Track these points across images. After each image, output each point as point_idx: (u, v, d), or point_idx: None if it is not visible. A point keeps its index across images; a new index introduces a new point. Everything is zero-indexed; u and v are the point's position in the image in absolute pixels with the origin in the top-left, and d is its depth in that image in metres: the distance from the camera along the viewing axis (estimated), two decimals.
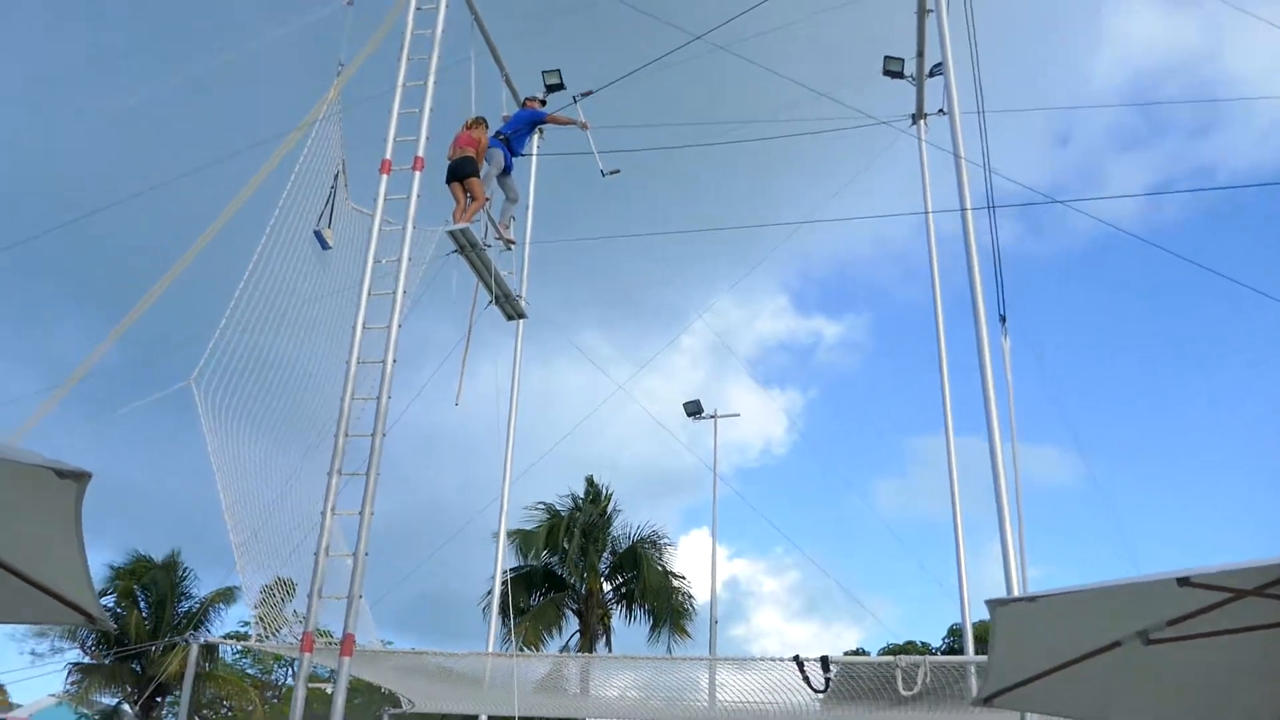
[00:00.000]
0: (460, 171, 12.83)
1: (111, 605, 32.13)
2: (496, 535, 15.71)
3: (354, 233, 12.18)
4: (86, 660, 32.26)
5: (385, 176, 11.63)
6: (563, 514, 29.99)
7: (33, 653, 32.46)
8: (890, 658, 9.65)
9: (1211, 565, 4.54)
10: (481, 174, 13.10)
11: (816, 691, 9.67)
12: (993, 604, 4.44)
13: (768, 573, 70.92)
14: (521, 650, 27.26)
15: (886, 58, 16.16)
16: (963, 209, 10.93)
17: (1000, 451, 10.09)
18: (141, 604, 32.54)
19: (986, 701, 5.50)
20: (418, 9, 12.37)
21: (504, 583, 15.30)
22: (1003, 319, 10.88)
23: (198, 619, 32.48)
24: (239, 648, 36.54)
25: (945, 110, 15.06)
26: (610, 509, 30.64)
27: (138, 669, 31.74)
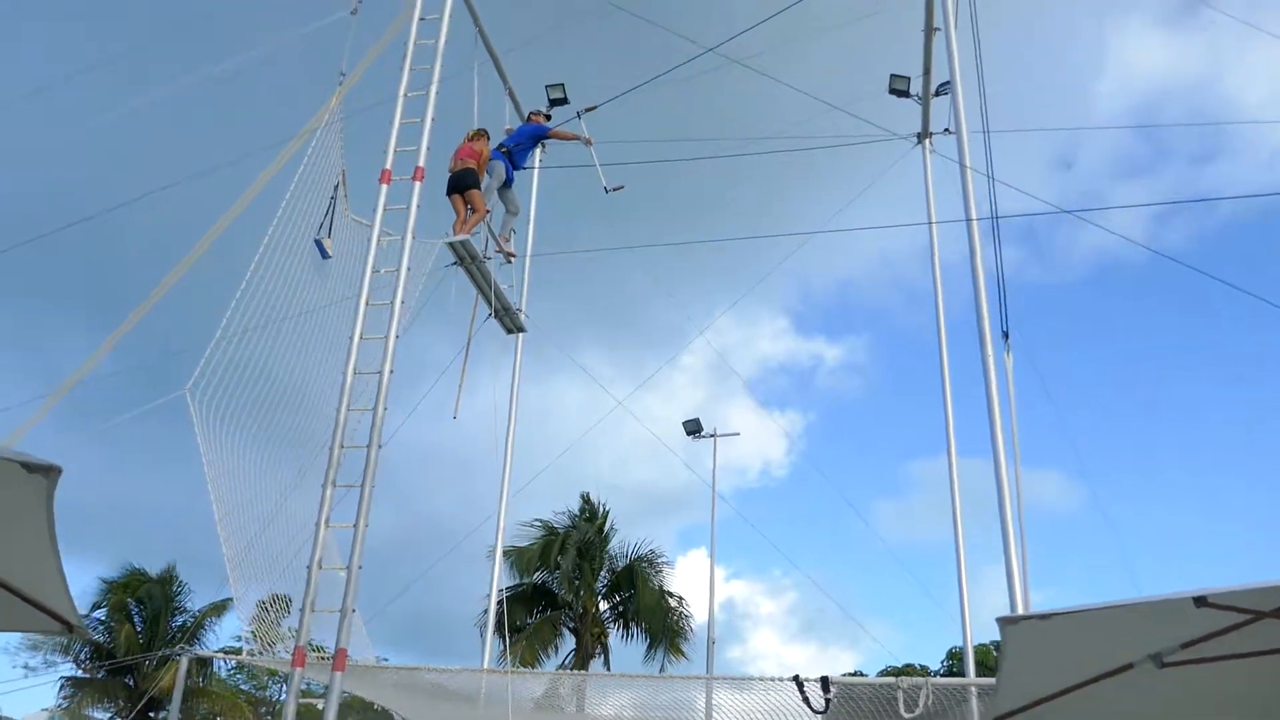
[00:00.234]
0: (461, 183, 12.75)
1: (104, 619, 31.95)
2: (492, 552, 15.54)
3: (353, 243, 12.08)
4: (79, 674, 32.03)
5: (385, 186, 11.52)
6: (559, 531, 29.84)
7: (25, 666, 32.27)
8: (892, 679, 9.47)
9: (1225, 585, 4.40)
10: (482, 186, 13.01)
11: (816, 713, 9.50)
12: (1003, 621, 4.30)
13: (765, 594, 70.57)
14: (517, 669, 27.09)
15: (892, 75, 16.06)
16: (968, 219, 10.83)
17: (1005, 474, 9.95)
18: (135, 617, 32.32)
19: None
20: (421, 19, 12.30)
21: (500, 601, 15.11)
22: (1005, 335, 10.77)
23: (192, 633, 32.25)
24: (232, 663, 36.26)
25: (951, 129, 15.00)
26: (608, 527, 30.50)
27: (131, 683, 31.50)
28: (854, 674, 50.16)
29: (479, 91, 14.25)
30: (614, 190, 14.65)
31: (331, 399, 10.73)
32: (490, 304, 13.56)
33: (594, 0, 15.68)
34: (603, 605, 29.98)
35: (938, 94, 15.98)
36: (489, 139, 13.51)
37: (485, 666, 15.61)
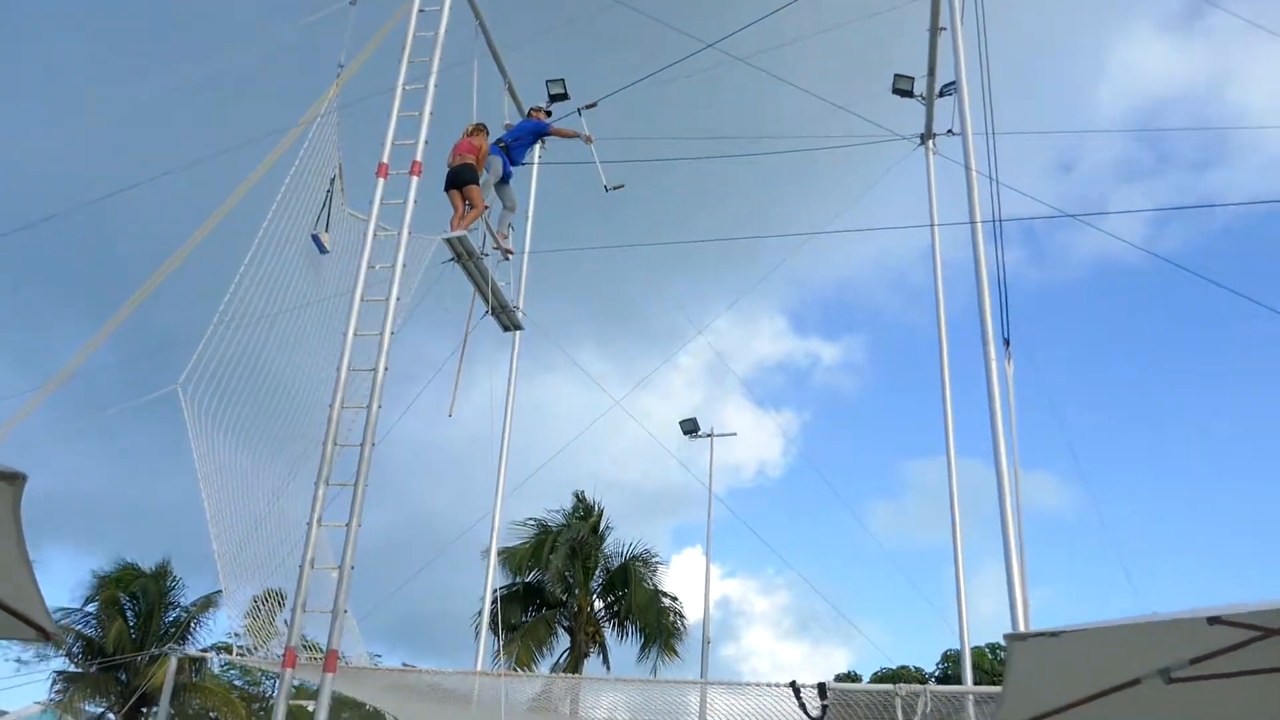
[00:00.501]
0: (460, 178, 12.61)
1: (94, 613, 31.79)
2: (486, 552, 15.42)
3: (349, 238, 11.94)
4: (72, 669, 31.87)
5: (382, 181, 11.38)
6: (552, 529, 29.72)
7: (18, 660, 32.11)
8: (890, 685, 9.36)
9: (1239, 604, 4.28)
10: (481, 182, 12.87)
11: (811, 719, 9.39)
12: (1011, 638, 4.18)
13: (759, 592, 70.60)
14: (512, 669, 26.98)
15: (896, 76, 15.89)
16: (972, 222, 10.69)
17: (1006, 477, 9.83)
18: (128, 612, 32.15)
19: None
20: (421, 11, 12.15)
21: (494, 600, 14.99)
22: (1006, 342, 10.63)
23: (184, 630, 32.10)
24: (224, 660, 36.14)
25: (955, 131, 14.89)
26: (603, 526, 30.37)
27: (123, 678, 31.34)
28: (847, 674, 50.15)
29: (478, 86, 14.11)
30: (614, 189, 14.50)
31: (325, 396, 10.60)
32: (487, 301, 13.42)
33: None
34: (598, 604, 29.86)
35: (942, 94, 15.83)
36: (488, 134, 13.37)
37: (479, 666, 15.49)
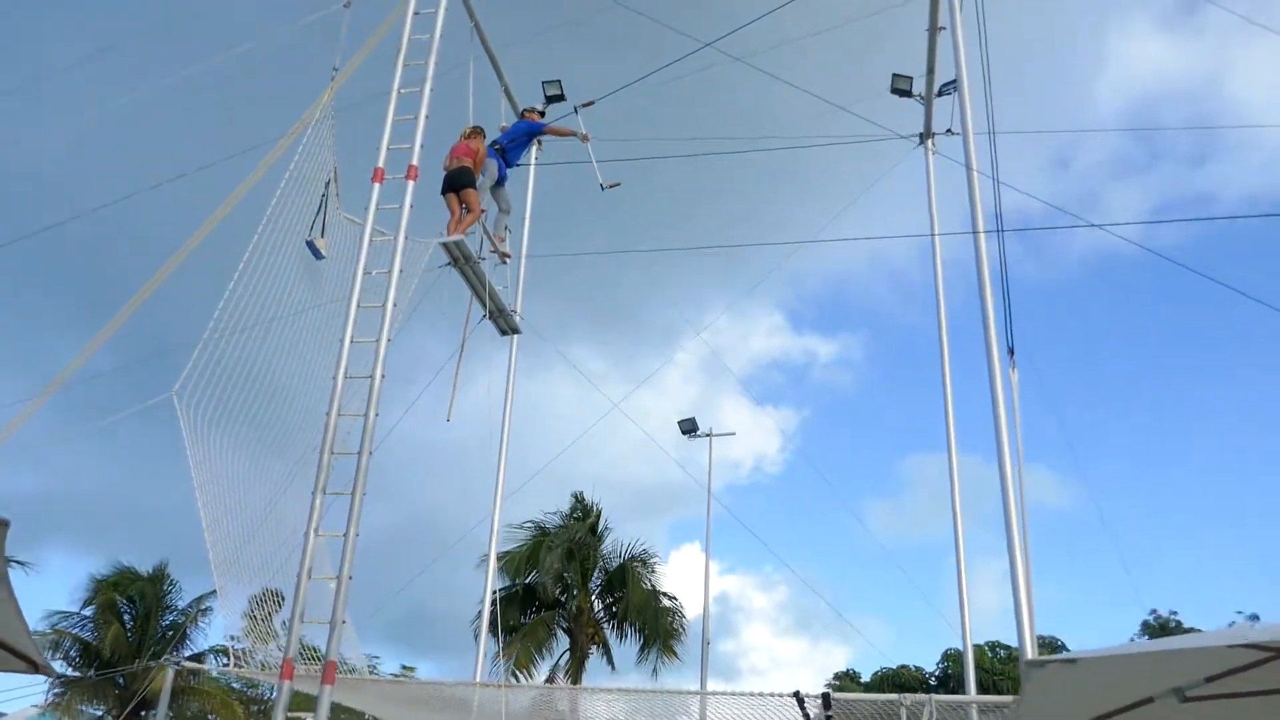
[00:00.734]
0: (457, 182, 12.50)
1: (91, 616, 31.67)
2: (485, 555, 15.33)
3: (345, 243, 11.81)
4: (70, 673, 31.75)
5: (378, 185, 11.25)
6: (550, 531, 29.61)
7: None
8: (895, 695, 9.27)
9: (1258, 626, 4.20)
10: (477, 185, 12.77)
11: None
12: (1029, 665, 4.09)
13: (758, 589, 70.60)
14: (513, 672, 26.93)
15: (895, 75, 15.80)
16: (974, 230, 10.59)
17: (1010, 478, 9.75)
18: (125, 616, 32.03)
19: None
20: (416, 13, 12.03)
21: (494, 603, 14.91)
22: (1011, 351, 10.53)
23: (181, 635, 31.98)
24: (223, 661, 36.04)
25: (955, 130, 14.81)
26: (601, 527, 30.26)
27: (121, 682, 31.23)
28: (847, 672, 50.12)
29: (474, 89, 14.00)
30: (610, 187, 14.40)
31: (321, 403, 10.48)
32: (485, 306, 13.31)
33: None
34: (597, 605, 29.75)
35: (941, 94, 15.73)
36: (485, 137, 13.27)
37: (478, 669, 15.41)
